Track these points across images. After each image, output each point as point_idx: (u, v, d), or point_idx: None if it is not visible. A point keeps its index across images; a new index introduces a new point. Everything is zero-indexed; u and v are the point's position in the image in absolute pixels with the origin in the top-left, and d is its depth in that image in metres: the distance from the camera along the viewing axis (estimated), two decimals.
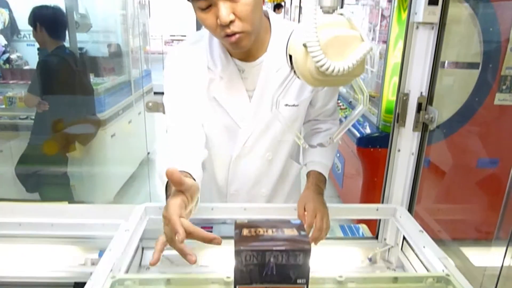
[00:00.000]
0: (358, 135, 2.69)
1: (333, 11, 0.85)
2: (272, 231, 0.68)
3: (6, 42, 3.55)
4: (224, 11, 0.96)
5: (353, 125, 2.93)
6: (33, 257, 1.25)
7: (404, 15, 2.33)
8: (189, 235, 0.79)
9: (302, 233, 0.68)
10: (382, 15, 3.31)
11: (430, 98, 1.14)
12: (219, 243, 0.74)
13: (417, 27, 1.12)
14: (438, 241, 1.06)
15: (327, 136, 1.36)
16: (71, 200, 2.85)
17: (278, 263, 0.65)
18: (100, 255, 1.28)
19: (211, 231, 1.35)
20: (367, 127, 2.76)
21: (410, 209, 1.25)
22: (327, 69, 0.78)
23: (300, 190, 1.45)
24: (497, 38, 2.43)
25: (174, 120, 1.12)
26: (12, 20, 3.55)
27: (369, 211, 1.25)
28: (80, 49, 3.11)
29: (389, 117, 2.56)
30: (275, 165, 1.31)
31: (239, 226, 0.69)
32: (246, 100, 1.19)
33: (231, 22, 0.98)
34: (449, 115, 2.38)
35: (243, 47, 1.05)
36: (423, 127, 1.17)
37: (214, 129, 1.23)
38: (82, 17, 3.04)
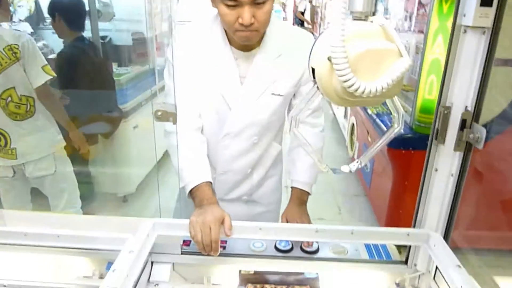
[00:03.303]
0: None
1: (366, 17, 0.72)
2: None
3: (32, 30, 3.54)
4: (248, 15, 1.11)
5: (384, 123, 2.75)
6: (39, 267, 1.21)
7: (445, 7, 2.12)
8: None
9: None
10: (420, 3, 3.07)
11: (476, 114, 0.99)
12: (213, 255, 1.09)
13: (465, 31, 0.96)
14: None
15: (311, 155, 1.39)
16: (90, 194, 2.83)
17: None
18: (108, 267, 1.23)
19: (225, 246, 1.27)
20: None
21: (446, 237, 1.11)
22: (356, 89, 0.66)
23: (282, 164, 1.59)
24: None
25: (180, 111, 1.21)
26: (38, 7, 3.53)
27: (398, 236, 1.13)
28: (103, 38, 3.05)
29: (424, 117, 2.38)
30: (258, 147, 1.42)
31: (244, 280, 0.59)
32: (238, 83, 1.30)
33: (251, 23, 1.13)
34: (490, 117, 2.17)
35: (251, 41, 1.22)
36: (466, 146, 1.02)
37: (206, 111, 1.34)
38: (104, 5, 2.97)
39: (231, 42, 1.29)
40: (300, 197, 1.44)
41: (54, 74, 2.18)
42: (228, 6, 1.12)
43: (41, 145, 2.23)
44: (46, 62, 2.15)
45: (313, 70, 0.75)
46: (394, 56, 0.68)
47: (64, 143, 2.34)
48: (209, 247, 1.10)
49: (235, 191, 1.49)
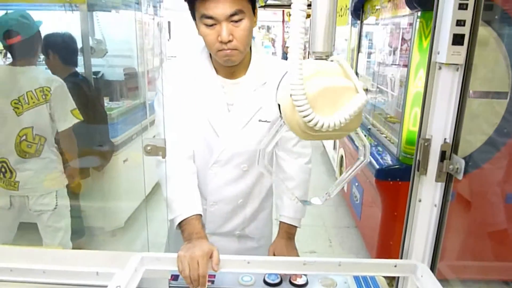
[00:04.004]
0: (377, 166, 2.55)
1: (327, 57, 0.76)
2: None
3: None
4: (226, 32, 1.17)
5: (372, 155, 2.80)
6: None
7: (425, 43, 2.22)
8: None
9: None
10: (403, 39, 3.21)
11: (455, 146, 1.03)
12: None
13: (440, 68, 1.01)
14: None
15: (297, 188, 1.46)
16: (80, 227, 2.80)
17: None
18: None
19: (213, 280, 1.27)
20: (387, 158, 2.62)
21: (432, 267, 1.12)
22: (316, 124, 0.69)
23: (272, 197, 1.57)
24: None
25: (171, 141, 1.24)
26: None
27: (385, 267, 1.13)
28: (95, 73, 3.11)
29: (410, 148, 2.43)
30: (249, 175, 1.41)
31: None
32: (225, 110, 1.34)
33: (229, 41, 1.19)
34: (471, 150, 2.22)
35: (233, 61, 1.25)
36: (447, 177, 1.05)
37: (195, 140, 1.36)
38: (98, 42, 3.05)
39: (217, 71, 1.34)
40: (288, 231, 1.45)
41: (82, 118, 2.26)
42: (207, 25, 1.18)
43: (44, 182, 2.26)
44: (75, 106, 2.23)
45: (279, 105, 0.79)
46: (350, 93, 0.71)
47: (67, 182, 2.37)
48: (196, 282, 1.09)
49: (227, 225, 1.47)
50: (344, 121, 0.68)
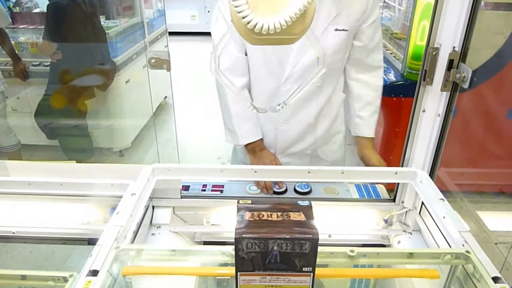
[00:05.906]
0: None
1: None
2: (277, 216, 0.62)
3: None
4: None
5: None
6: (44, 214, 1.26)
7: None
8: None
9: (310, 219, 0.62)
10: None
11: (463, 55, 1.01)
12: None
13: None
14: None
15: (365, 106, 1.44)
16: (89, 146, 2.87)
17: (283, 251, 0.60)
18: (111, 212, 1.28)
19: (222, 190, 1.34)
20: (391, 74, 2.59)
21: (431, 174, 1.17)
22: (255, 26, 0.66)
23: (343, 118, 1.54)
24: None
25: (225, 69, 1.15)
26: None
27: (387, 174, 1.18)
28: None
29: (415, 64, 2.39)
30: (322, 92, 1.37)
31: (242, 208, 0.64)
32: None
33: None
34: (478, 63, 2.18)
35: None
36: (452, 87, 1.06)
37: (265, 54, 1.30)
38: None
39: None
40: (370, 142, 1.49)
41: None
42: None
43: None
44: None
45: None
46: None
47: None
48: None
49: (298, 145, 1.47)
50: (285, 23, 0.64)
